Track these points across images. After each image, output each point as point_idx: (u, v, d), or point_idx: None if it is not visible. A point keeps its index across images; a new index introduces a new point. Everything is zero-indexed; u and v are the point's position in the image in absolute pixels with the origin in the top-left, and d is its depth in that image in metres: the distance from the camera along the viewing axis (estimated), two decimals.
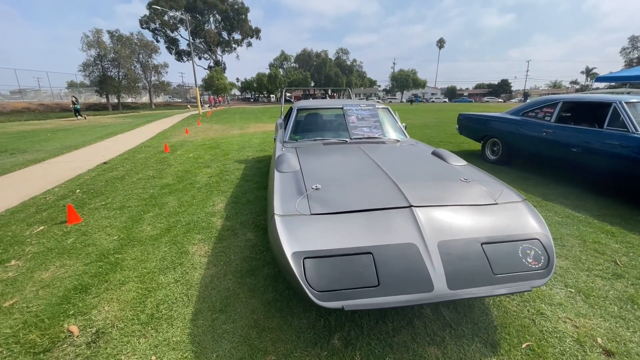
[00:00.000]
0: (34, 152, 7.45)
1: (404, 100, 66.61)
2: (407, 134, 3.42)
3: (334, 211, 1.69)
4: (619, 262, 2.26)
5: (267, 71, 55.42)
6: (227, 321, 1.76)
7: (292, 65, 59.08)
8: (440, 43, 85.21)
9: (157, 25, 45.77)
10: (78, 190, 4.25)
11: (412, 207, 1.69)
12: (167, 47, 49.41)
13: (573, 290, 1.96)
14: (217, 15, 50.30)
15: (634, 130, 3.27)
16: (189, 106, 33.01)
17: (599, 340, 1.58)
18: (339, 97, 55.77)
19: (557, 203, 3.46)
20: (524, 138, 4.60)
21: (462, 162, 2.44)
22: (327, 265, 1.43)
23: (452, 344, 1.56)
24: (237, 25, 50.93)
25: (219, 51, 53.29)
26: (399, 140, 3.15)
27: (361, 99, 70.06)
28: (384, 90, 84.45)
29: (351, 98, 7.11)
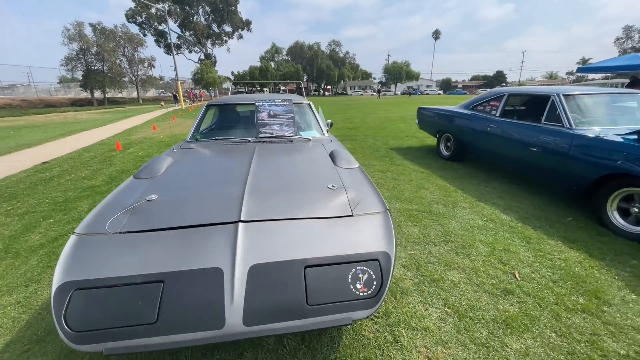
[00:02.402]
0: None
1: (398, 92, 66.02)
2: (325, 132, 3.16)
3: (148, 228, 1.45)
4: (517, 275, 2.04)
5: (259, 64, 54.60)
6: (38, 353, 1.53)
7: (284, 58, 58.23)
8: (436, 34, 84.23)
9: (144, 19, 44.71)
10: None
11: (240, 223, 1.45)
12: (155, 41, 48.36)
13: (449, 311, 1.74)
14: (206, 7, 49.20)
15: (568, 126, 3.03)
16: (162, 103, 29.88)
17: None
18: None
19: (489, 204, 3.24)
20: (472, 133, 4.36)
21: (353, 165, 2.20)
22: (101, 297, 1.19)
23: None
24: (227, 17, 49.88)
25: (209, 44, 52.31)
26: (309, 139, 2.90)
27: (355, 91, 69.45)
28: (380, 82, 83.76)
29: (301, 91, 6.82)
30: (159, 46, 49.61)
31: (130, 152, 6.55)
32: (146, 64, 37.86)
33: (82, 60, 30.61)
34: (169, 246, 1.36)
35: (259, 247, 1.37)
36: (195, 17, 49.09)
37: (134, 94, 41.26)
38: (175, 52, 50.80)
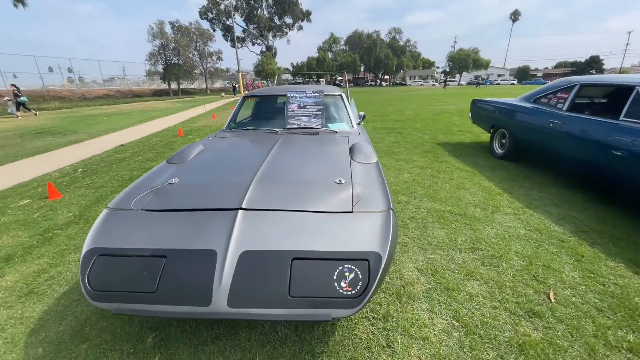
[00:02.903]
0: (81, 133, 8.63)
1: (462, 83, 60.51)
2: (355, 124, 3.08)
3: (163, 208, 1.62)
4: (552, 297, 1.76)
5: (317, 55, 55.08)
6: (83, 304, 1.84)
7: (342, 47, 57.61)
8: (515, 16, 74.35)
9: (214, 15, 48.34)
10: (80, 169, 4.82)
11: (240, 210, 1.52)
12: (223, 35, 52.08)
13: (457, 324, 1.60)
14: (269, 0, 51.07)
15: None
16: (222, 94, 31.22)
17: None
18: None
19: (540, 211, 2.82)
20: (532, 129, 3.80)
21: (371, 160, 2.12)
22: (117, 264, 1.38)
23: None
24: (288, 8, 51.11)
25: (270, 36, 54.43)
26: (336, 132, 2.86)
27: (415, 81, 65.68)
28: (443, 71, 77.71)
29: (343, 83, 6.67)
30: (226, 40, 53.35)
31: (189, 138, 7.26)
32: (214, 57, 41.09)
33: (162, 55, 34.55)
34: (176, 226, 1.50)
35: (253, 235, 1.42)
36: (259, 10, 51.38)
37: (204, 85, 45.29)
38: (239, 45, 54.13)
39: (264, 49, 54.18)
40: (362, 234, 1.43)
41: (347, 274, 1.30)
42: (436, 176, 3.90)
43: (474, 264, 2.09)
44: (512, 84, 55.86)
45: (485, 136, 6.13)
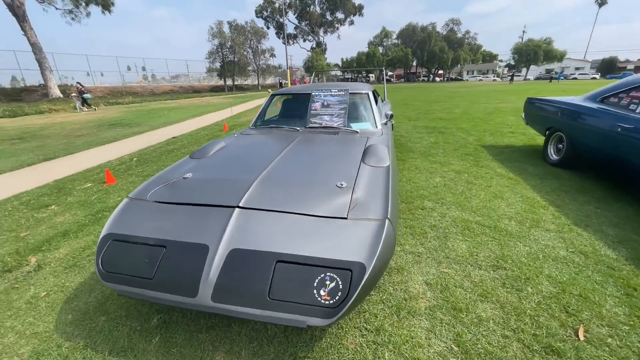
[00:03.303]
0: (143, 125, 9.70)
1: (530, 77, 54.22)
2: (379, 124, 2.95)
3: (171, 201, 1.74)
4: (582, 334, 1.50)
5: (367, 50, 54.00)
6: None
7: (394, 42, 55.56)
8: None
9: (269, 13, 50.15)
10: (135, 159, 5.43)
11: (237, 208, 1.57)
12: (276, 33, 53.83)
13: (456, 349, 1.45)
14: None
15: None
16: (269, 90, 32.79)
17: None
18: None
19: (591, 231, 2.42)
20: (596, 133, 3.25)
21: (382, 164, 2.01)
22: (126, 250, 1.53)
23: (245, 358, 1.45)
24: (340, 3, 50.78)
25: (321, 32, 54.75)
26: (357, 131, 2.78)
27: (473, 76, 60.77)
28: (508, 65, 70.46)
29: (382, 78, 6.37)
30: (278, 37, 55.14)
31: (232, 133, 7.70)
32: (267, 54, 42.76)
33: (220, 53, 36.99)
34: (180, 218, 1.61)
35: (244, 233, 1.46)
36: (311, 7, 51.94)
37: (256, 82, 47.49)
38: (291, 43, 55.56)
39: (314, 45, 54.76)
40: (351, 242, 1.37)
41: (328, 282, 1.26)
42: (472, 182, 3.57)
43: (492, 284, 1.88)
44: (594, 78, 48.27)
45: (542, 140, 5.42)
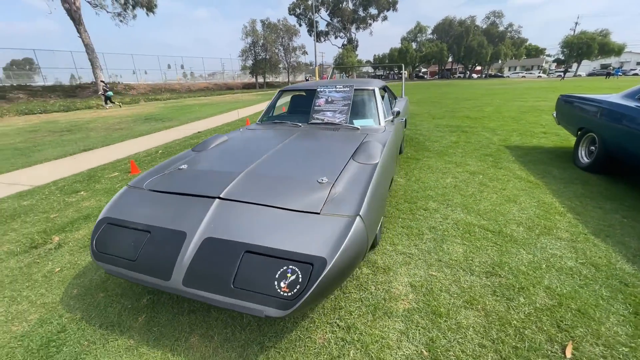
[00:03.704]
0: (175, 120, 10.28)
1: (581, 73, 49.51)
2: (383, 122, 2.87)
3: (162, 190, 1.85)
4: (569, 352, 1.38)
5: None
6: None
7: (429, 37, 53.45)
8: None
9: (301, 10, 50.53)
10: (160, 151, 5.79)
11: (217, 199, 1.64)
12: (307, 30, 54.12)
13: (426, 354, 1.40)
14: None
15: None
16: None
17: None
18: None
19: (610, 242, 2.19)
20: (632, 136, 2.91)
21: (371, 161, 1.97)
22: (117, 233, 1.66)
23: (219, 347, 1.51)
24: None
25: (353, 29, 54.16)
26: (358, 128, 2.74)
27: (515, 72, 56.83)
28: (556, 60, 64.94)
29: (404, 76, 6.14)
30: (310, 35, 55.35)
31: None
32: (298, 52, 43.21)
33: (252, 51, 38.00)
34: (166, 206, 1.71)
35: (220, 223, 1.52)
36: (344, 3, 51.49)
37: (287, 79, 48.26)
38: (322, 39, 55.58)
39: (345, 42, 54.33)
40: (319, 237, 1.38)
41: (289, 275, 1.28)
42: (485, 184, 3.37)
43: (481, 291, 1.77)
44: None
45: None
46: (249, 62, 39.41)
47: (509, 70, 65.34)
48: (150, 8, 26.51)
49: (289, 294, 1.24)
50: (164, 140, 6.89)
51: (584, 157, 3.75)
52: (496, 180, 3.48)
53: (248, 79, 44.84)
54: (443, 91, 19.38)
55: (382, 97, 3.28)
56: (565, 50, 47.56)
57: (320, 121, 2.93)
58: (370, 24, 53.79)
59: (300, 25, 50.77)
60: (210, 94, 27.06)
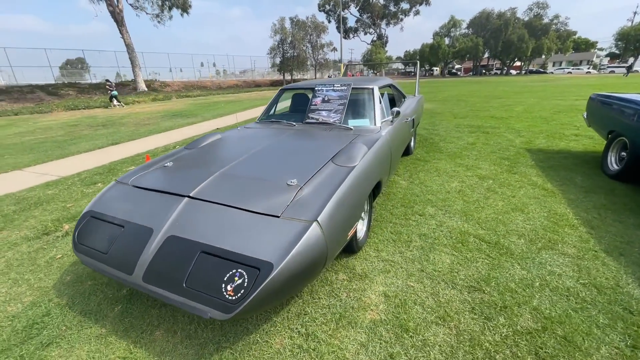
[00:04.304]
0: (199, 117, 10.70)
1: (638, 69, 44.50)
2: (379, 122, 2.76)
3: (143, 186, 1.91)
4: None
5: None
6: None
7: (463, 31, 50.87)
8: None
9: (330, 7, 50.22)
10: (177, 146, 6.04)
11: (186, 198, 1.67)
12: (336, 27, 53.70)
13: None
14: None
15: None
16: None
17: None
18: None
19: (623, 263, 1.94)
20: None
21: (349, 164, 1.90)
22: (97, 226, 1.75)
23: (179, 343, 1.55)
24: None
25: (383, 24, 52.94)
26: (351, 128, 2.66)
27: (559, 68, 52.59)
28: (609, 54, 59.03)
29: (416, 72, 5.85)
30: (339, 31, 54.91)
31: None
32: (326, 48, 43.17)
33: (280, 49, 38.49)
34: (142, 202, 1.77)
35: (185, 222, 1.55)
36: None
37: (314, 76, 48.35)
38: (351, 36, 54.95)
39: (375, 38, 53.26)
40: (272, 241, 1.35)
41: (236, 278, 1.27)
42: (493, 190, 3.14)
43: (458, 308, 1.65)
44: None
45: None
46: (277, 60, 39.98)
47: (553, 65, 60.46)
48: (184, 9, 27.74)
49: (233, 297, 1.23)
50: (183, 136, 7.19)
51: (613, 164, 3.37)
52: (507, 186, 3.23)
53: (277, 76, 45.54)
54: (473, 89, 18.36)
55: (382, 96, 3.16)
56: (620, 43, 42.99)
57: (315, 121, 2.88)
58: (401, 19, 52.19)
59: (329, 22, 50.51)
60: (239, 91, 27.83)
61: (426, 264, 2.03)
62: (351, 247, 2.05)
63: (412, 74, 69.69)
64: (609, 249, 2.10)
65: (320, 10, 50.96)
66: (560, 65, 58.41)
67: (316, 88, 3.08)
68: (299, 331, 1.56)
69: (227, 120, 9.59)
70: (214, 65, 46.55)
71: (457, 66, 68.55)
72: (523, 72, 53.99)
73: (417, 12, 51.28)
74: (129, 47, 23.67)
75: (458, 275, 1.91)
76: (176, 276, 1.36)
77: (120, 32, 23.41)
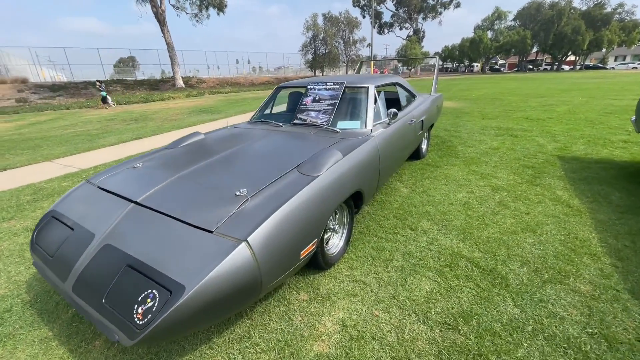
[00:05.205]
0: (222, 113, 10.95)
1: None
2: (370, 125, 2.50)
3: (105, 188, 1.87)
4: None
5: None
6: None
7: (509, 24, 47.15)
8: None
9: (366, 1, 49.12)
10: None
11: (132, 204, 1.59)
12: (371, 22, 52.49)
13: None
14: None
15: None
16: None
17: None
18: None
19: None
20: None
21: (314, 173, 1.71)
22: (54, 227, 1.73)
23: (112, 358, 1.48)
24: None
25: (419, 19, 50.75)
26: (337, 131, 2.44)
27: (622, 63, 46.96)
28: None
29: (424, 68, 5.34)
30: (373, 27, 53.56)
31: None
32: (358, 44, 42.42)
33: (312, 46, 38.48)
34: (97, 205, 1.72)
35: (123, 230, 1.47)
36: None
37: (346, 73, 47.85)
38: (386, 31, 53.43)
39: (410, 33, 51.26)
40: (195, 259, 1.22)
41: (149, 300, 1.16)
42: (505, 205, 2.74)
43: (422, 349, 1.40)
44: None
45: None
46: (309, 57, 40.04)
47: (615, 60, 54.00)
48: (220, 8, 28.71)
49: (141, 322, 1.11)
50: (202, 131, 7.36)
51: None
52: (523, 200, 2.81)
53: (309, 73, 45.67)
54: (513, 86, 16.86)
55: (380, 95, 2.88)
56: None
57: (302, 121, 2.70)
58: (440, 13, 49.65)
59: (363, 17, 49.43)
60: (269, 88, 28.30)
61: (401, 290, 1.78)
62: (317, 264, 1.86)
63: (450, 70, 66.18)
64: (637, 289, 1.69)
65: (354, 5, 50.04)
66: (624, 59, 52.02)
67: (308, 86, 2.89)
68: (235, 358, 1.41)
69: (248, 116, 9.70)
70: (249, 62, 47.80)
71: (500, 62, 63.89)
72: (577, 67, 48.86)
73: (457, 5, 48.44)
74: (169, 46, 25.02)
75: (434, 307, 1.64)
76: (98, 290, 1.28)
77: (162, 32, 24.80)
